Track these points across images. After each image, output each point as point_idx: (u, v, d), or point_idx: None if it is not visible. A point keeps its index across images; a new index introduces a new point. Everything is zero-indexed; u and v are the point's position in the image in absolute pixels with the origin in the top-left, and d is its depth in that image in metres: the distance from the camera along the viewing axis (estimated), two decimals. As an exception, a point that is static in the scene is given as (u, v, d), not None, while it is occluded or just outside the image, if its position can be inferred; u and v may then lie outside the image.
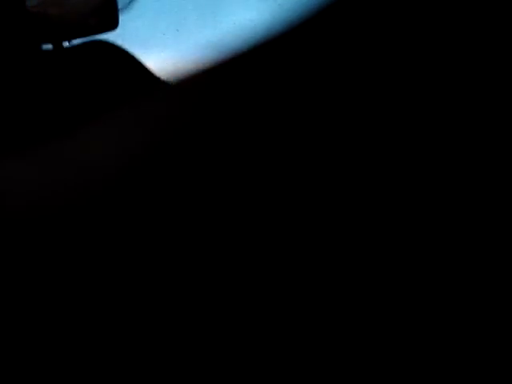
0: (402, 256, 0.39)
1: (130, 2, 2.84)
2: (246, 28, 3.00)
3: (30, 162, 0.43)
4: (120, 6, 2.34)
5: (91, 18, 2.05)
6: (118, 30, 2.25)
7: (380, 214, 0.37)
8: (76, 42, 2.06)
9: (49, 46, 2.08)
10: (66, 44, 2.10)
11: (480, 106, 0.34)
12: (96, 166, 0.42)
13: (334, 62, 0.40)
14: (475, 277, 0.39)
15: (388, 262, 0.39)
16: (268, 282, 0.40)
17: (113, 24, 2.17)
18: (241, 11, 3.04)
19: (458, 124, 0.33)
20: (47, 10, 1.88)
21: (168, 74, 3.01)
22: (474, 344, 0.39)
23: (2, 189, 0.41)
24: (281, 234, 0.36)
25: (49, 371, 0.44)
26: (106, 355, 0.42)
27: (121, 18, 2.25)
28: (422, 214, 0.38)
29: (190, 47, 2.99)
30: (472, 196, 0.38)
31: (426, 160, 0.34)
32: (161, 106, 0.43)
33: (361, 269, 0.38)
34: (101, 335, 0.43)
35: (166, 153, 0.42)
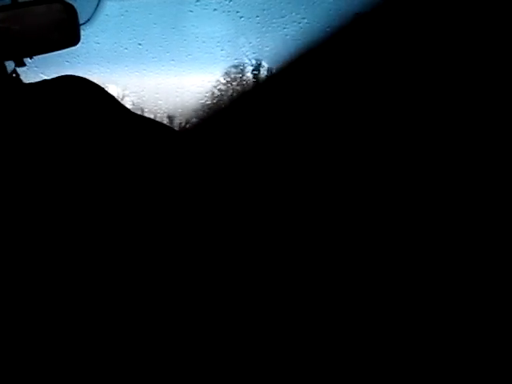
0: (402, 256, 0.40)
1: (91, 17, 2.83)
2: (209, 41, 3.02)
3: None
4: (81, 21, 2.34)
5: (53, 34, 2.04)
6: (80, 45, 2.25)
7: (380, 214, 0.38)
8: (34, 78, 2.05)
9: (10, 63, 2.06)
10: (27, 60, 2.09)
11: (480, 106, 0.35)
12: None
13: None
14: (475, 277, 0.40)
15: (388, 262, 0.40)
16: (268, 282, 0.41)
17: (74, 39, 2.17)
18: (204, 25, 3.06)
19: (457, 124, 0.34)
20: (9, 25, 1.87)
21: (133, 88, 3.00)
22: (474, 344, 0.40)
23: None
24: (281, 235, 0.37)
25: (49, 371, 0.44)
26: (106, 355, 0.43)
27: (82, 33, 2.24)
28: (421, 214, 0.39)
29: (154, 61, 2.99)
30: (472, 196, 0.39)
31: (425, 160, 0.35)
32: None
33: (361, 269, 0.40)
34: (101, 335, 0.43)
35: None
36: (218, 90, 3.15)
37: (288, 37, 3.08)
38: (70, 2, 2.13)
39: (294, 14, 3.03)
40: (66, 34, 2.10)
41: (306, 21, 3.01)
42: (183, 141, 0.66)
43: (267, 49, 3.21)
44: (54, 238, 0.54)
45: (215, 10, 3.03)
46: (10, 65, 2.09)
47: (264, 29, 3.10)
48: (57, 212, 0.55)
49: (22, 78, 2.02)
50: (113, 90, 2.99)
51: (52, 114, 0.69)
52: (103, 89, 0.96)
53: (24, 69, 2.06)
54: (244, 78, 3.20)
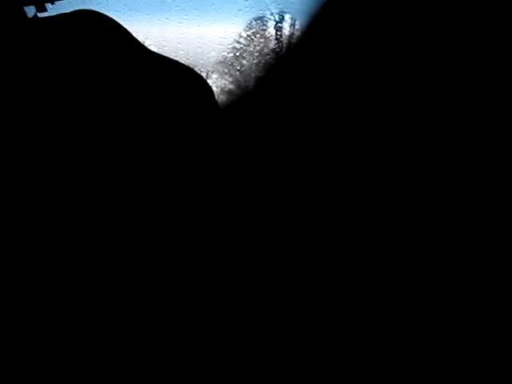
0: (402, 256, 0.39)
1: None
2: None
3: None
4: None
5: (75, -21, 2.00)
6: (103, -9, 2.21)
7: (380, 214, 0.37)
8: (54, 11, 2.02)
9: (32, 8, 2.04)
10: (49, 6, 2.06)
11: (480, 106, 0.34)
12: None
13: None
14: (475, 277, 0.39)
15: (388, 262, 0.39)
16: (268, 283, 0.40)
17: (97, -15, 2.13)
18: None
19: (457, 125, 0.33)
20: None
21: (154, 38, 2.96)
22: (474, 344, 0.39)
23: None
24: (281, 235, 0.36)
25: (49, 371, 0.44)
26: (106, 355, 0.43)
27: (105, -21, 2.20)
28: (421, 215, 0.38)
29: (176, 10, 2.94)
30: (472, 196, 0.38)
31: (425, 161, 0.34)
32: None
33: (360, 269, 0.39)
34: (100, 335, 0.43)
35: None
36: (239, 43, 3.10)
37: (314, -11, 3.01)
38: None
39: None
40: (88, -21, 2.06)
41: (333, -25, 2.94)
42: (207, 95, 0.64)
43: (292, 1, 3.14)
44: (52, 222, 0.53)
45: (241, -41, 2.97)
46: (31, 10, 2.06)
47: (290, -19, 3.03)
48: (56, 178, 0.53)
49: (42, 23, 2.00)
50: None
51: (66, 51, 0.67)
52: (121, 26, 0.93)
53: (45, 14, 2.04)
54: (267, 31, 3.15)
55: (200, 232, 0.47)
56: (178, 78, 0.69)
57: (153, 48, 2.98)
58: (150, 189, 0.52)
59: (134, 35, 2.65)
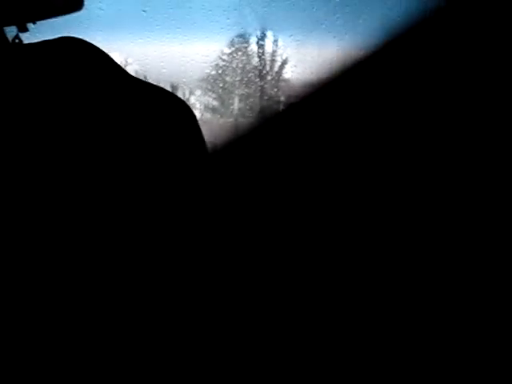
0: (402, 256, 0.39)
1: (95, -18, 2.78)
2: (215, 9, 2.97)
3: None
4: (85, -14, 2.29)
5: (56, -1, 2.00)
6: (83, 11, 2.21)
7: (380, 215, 0.36)
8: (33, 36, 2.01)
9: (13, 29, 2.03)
10: (30, 25, 2.05)
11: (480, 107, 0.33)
12: None
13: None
14: (475, 277, 0.38)
15: (388, 262, 0.38)
16: (268, 283, 0.39)
17: (78, 4, 2.13)
18: (209, -7, 3.01)
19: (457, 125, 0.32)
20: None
21: (136, 56, 2.97)
22: (474, 344, 0.39)
23: None
24: (281, 236, 0.36)
25: (48, 371, 0.43)
26: (106, 355, 0.42)
27: (86, -2, 2.20)
28: (421, 215, 0.37)
29: (158, 29, 2.95)
30: (472, 196, 0.37)
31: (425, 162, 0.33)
32: None
33: (361, 269, 0.38)
34: (100, 334, 0.42)
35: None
36: (222, 60, 3.11)
37: (294, 6, 3.03)
38: (74, -33, 2.09)
39: (301, -17, 2.98)
40: (69, -1, 2.06)
41: (313, -9, 2.96)
42: (188, 112, 0.64)
43: (273, 18, 3.16)
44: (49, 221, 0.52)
45: (221, -23, 2.99)
46: (12, 30, 2.05)
47: (271, -2, 3.05)
48: (51, 182, 0.53)
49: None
50: (116, 57, 2.95)
51: (50, 76, 0.66)
52: (104, 52, 0.93)
53: (26, 34, 2.03)
54: (249, 48, 3.16)
55: (196, 233, 0.46)
56: (160, 107, 0.69)
57: (135, 66, 2.97)
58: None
59: (117, 53, 2.64)
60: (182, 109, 0.71)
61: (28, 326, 0.47)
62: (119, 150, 0.60)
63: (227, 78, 3.13)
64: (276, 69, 3.42)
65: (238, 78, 3.14)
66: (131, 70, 2.95)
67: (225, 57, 3.13)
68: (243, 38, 3.13)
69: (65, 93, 0.61)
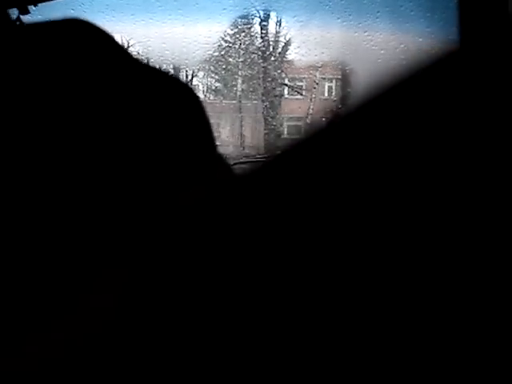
0: (402, 257, 0.39)
1: (97, -37, 2.75)
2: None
3: None
4: (87, -33, 2.27)
5: (57, -20, 1.98)
6: (86, -7, 2.19)
7: (380, 216, 0.36)
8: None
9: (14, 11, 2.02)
10: (32, 8, 2.04)
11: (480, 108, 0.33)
12: None
13: None
14: (475, 277, 0.39)
15: (388, 262, 0.38)
16: (268, 283, 0.39)
17: (80, -14, 2.11)
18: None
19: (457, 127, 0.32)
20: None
21: (139, 38, 2.95)
22: (474, 344, 0.39)
23: None
24: (281, 236, 0.36)
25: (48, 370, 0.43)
26: (106, 354, 0.42)
27: (88, -20, 2.18)
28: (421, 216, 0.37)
29: (160, 10, 2.93)
30: (472, 197, 0.37)
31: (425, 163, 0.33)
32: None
33: (361, 270, 0.38)
34: (101, 334, 0.42)
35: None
36: (225, 41, 3.10)
37: (298, -13, 3.01)
38: None
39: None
40: (70, -20, 2.04)
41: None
42: (191, 97, 0.64)
43: (276, -1, 3.14)
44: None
45: (224, -43, 2.96)
46: (13, 12, 2.04)
47: (274, -22, 3.02)
48: (51, 173, 0.53)
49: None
50: (118, 38, 2.93)
51: (53, 57, 0.66)
52: (108, 34, 0.93)
53: (28, 16, 2.02)
54: (252, 29, 3.14)
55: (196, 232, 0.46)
56: (163, 90, 0.69)
57: (138, 48, 2.96)
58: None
59: (119, 35, 2.62)
60: (186, 92, 0.70)
61: (28, 325, 0.48)
62: (122, 133, 0.60)
63: (230, 60, 3.11)
64: (279, 50, 3.40)
65: (240, 60, 3.12)
66: (134, 50, 2.94)
67: (227, 38, 3.11)
68: (246, 18, 3.11)
69: (67, 75, 0.61)
